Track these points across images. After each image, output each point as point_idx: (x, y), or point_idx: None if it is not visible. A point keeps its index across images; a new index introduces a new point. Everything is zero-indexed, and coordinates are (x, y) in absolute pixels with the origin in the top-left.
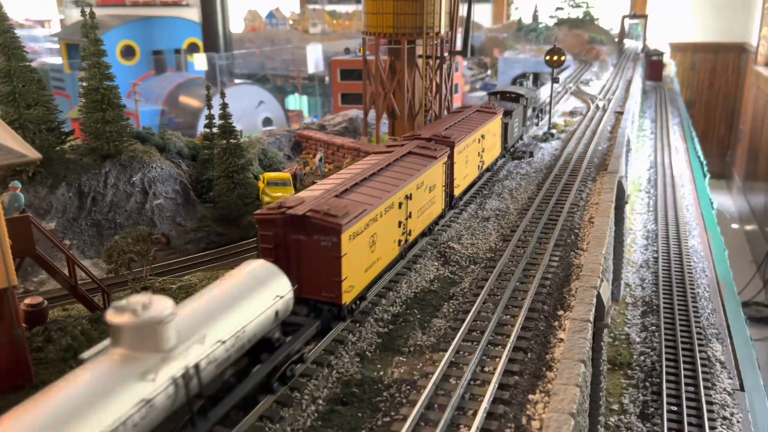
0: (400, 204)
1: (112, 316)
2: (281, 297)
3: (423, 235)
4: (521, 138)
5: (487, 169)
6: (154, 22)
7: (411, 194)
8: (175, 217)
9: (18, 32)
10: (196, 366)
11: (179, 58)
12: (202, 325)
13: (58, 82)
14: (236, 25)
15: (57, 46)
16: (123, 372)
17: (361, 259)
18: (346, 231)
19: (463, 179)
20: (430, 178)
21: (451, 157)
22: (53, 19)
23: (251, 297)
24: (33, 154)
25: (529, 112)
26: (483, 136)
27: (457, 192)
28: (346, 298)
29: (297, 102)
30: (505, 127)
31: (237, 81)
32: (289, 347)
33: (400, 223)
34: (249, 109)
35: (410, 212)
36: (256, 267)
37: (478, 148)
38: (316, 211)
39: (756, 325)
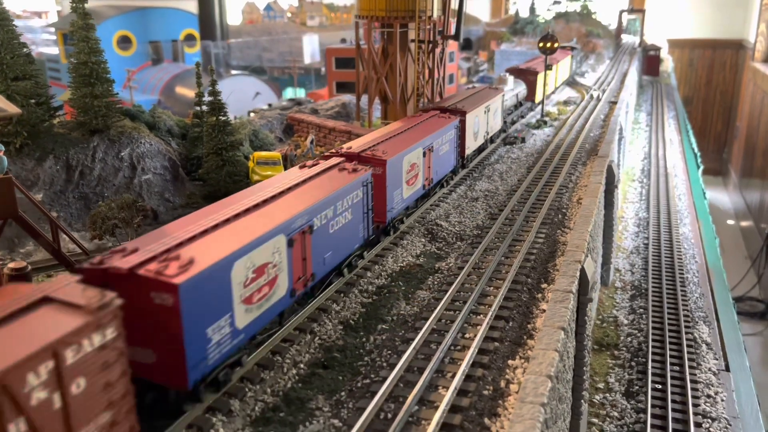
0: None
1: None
2: (522, 89)
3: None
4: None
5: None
6: (151, 13)
7: (550, 70)
8: (164, 192)
9: (15, 23)
10: (517, 94)
11: (176, 49)
12: (513, 87)
13: (54, 73)
14: (234, 18)
15: (54, 37)
16: (499, 90)
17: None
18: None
19: (556, 81)
20: (563, 66)
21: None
22: (50, 10)
23: (519, 88)
24: (12, 108)
25: (579, 57)
26: (566, 63)
27: (551, 89)
28: (537, 100)
29: (294, 94)
30: (572, 62)
31: (233, 72)
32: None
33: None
34: (245, 99)
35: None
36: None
37: (566, 66)
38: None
39: (750, 320)
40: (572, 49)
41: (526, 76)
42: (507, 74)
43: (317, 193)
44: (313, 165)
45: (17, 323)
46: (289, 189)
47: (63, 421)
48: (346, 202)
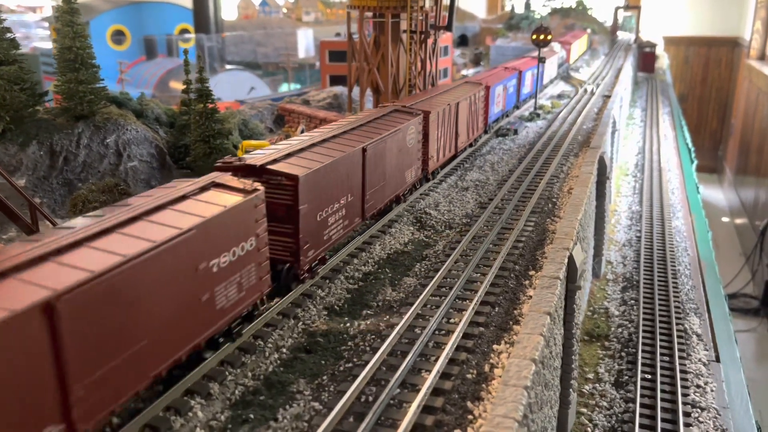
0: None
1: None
2: (564, 53)
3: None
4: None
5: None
6: (145, 7)
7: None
8: (150, 180)
9: (9, 18)
10: (563, 56)
11: (170, 44)
12: (559, 51)
13: (47, 67)
14: (229, 13)
15: (47, 32)
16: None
17: None
18: None
19: (580, 49)
20: (582, 41)
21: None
22: (45, 5)
23: (562, 52)
24: None
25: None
26: (584, 39)
27: (577, 56)
28: (571, 61)
29: (289, 89)
30: (588, 39)
31: (228, 66)
32: (563, 66)
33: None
34: (240, 94)
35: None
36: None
37: (584, 41)
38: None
39: (744, 317)
40: (586, 29)
41: (563, 45)
42: (555, 44)
43: (504, 75)
44: (494, 71)
45: None
46: (511, 73)
47: None
48: (510, 84)
